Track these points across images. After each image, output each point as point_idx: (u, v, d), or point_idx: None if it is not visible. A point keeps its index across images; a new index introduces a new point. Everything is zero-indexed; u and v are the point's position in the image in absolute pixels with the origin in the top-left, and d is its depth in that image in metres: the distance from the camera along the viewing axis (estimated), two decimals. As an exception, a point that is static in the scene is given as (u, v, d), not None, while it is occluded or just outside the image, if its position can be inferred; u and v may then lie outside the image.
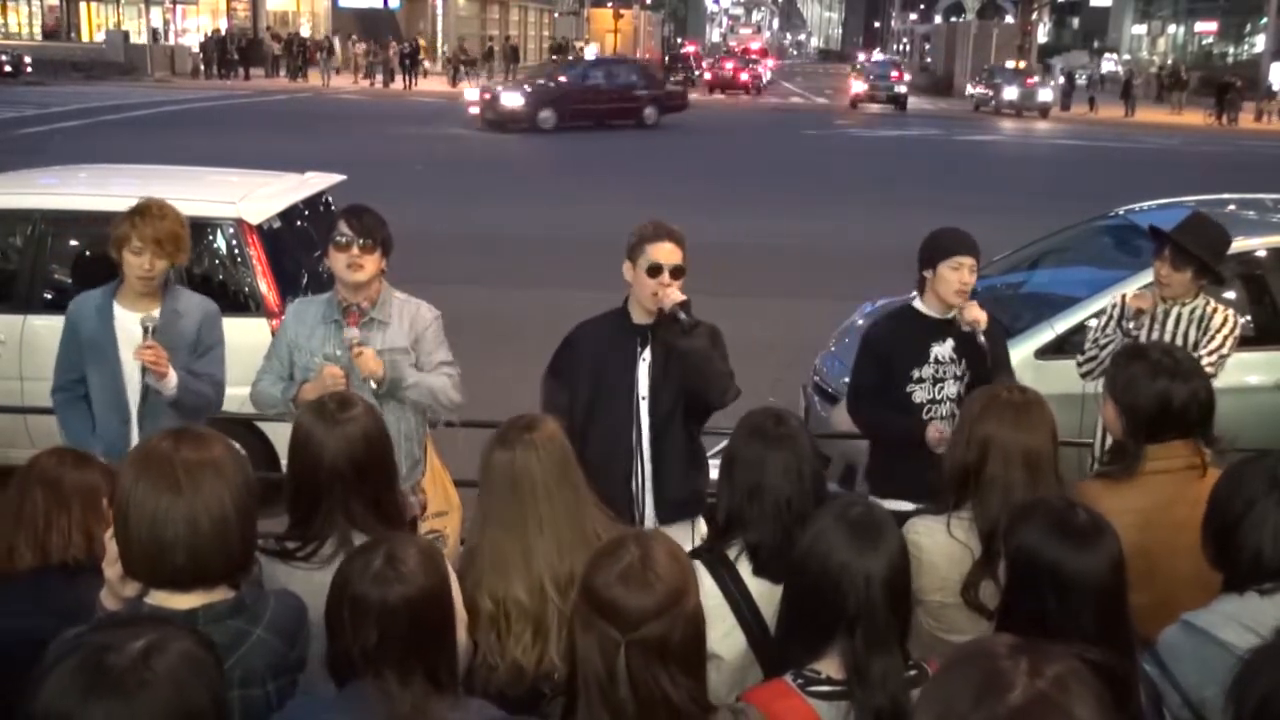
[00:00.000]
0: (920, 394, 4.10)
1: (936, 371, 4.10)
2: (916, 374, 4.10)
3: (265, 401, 4.03)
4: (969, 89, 44.90)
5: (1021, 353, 5.75)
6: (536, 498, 2.67)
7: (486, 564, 2.68)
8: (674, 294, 3.75)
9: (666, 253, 3.77)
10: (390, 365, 3.84)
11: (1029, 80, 41.18)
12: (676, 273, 3.78)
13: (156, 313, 4.01)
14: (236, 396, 5.78)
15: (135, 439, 4.06)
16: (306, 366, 3.90)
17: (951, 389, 4.10)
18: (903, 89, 42.62)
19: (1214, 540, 2.49)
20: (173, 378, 3.97)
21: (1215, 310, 4.50)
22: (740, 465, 2.76)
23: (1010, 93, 40.15)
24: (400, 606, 2.04)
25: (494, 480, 2.72)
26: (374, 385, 3.80)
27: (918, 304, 4.20)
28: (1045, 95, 40.77)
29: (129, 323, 4.03)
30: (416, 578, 2.08)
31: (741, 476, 2.75)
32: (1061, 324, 5.88)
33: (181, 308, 4.13)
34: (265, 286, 5.97)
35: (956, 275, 4.01)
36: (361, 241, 3.82)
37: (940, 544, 2.79)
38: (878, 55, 62.98)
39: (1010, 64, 43.71)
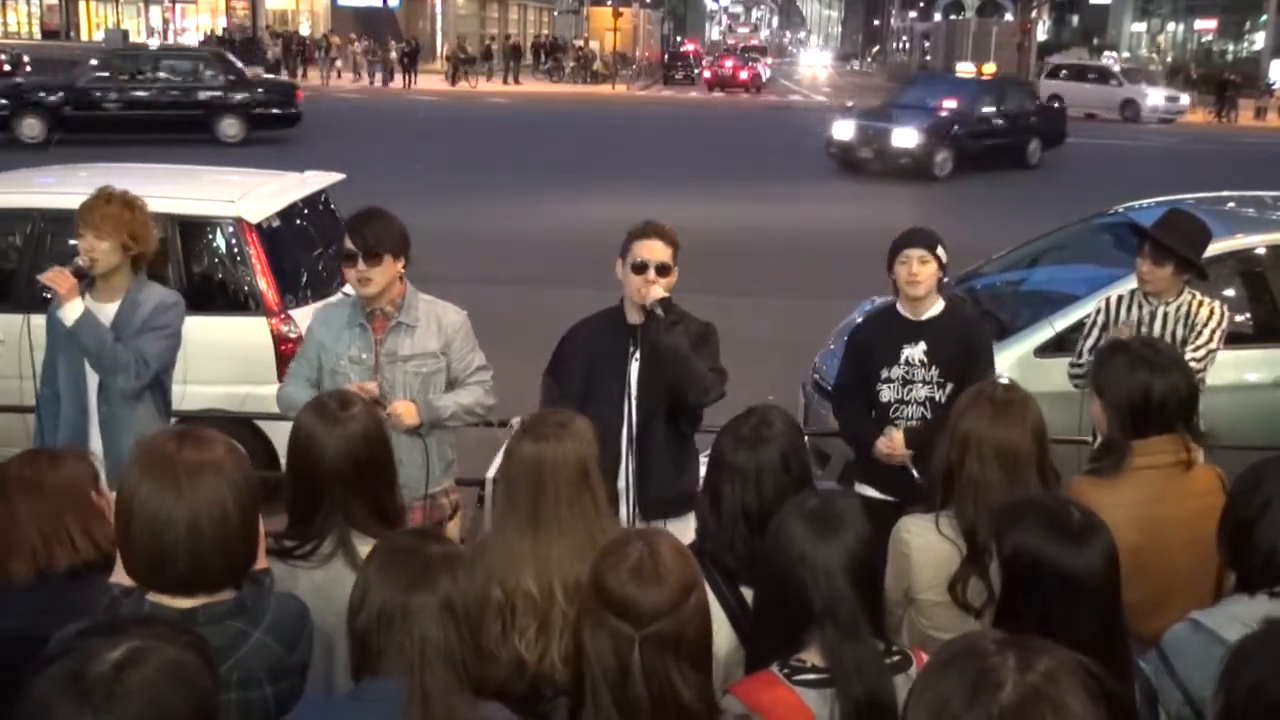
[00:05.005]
0: (887, 393, 4.17)
1: (906, 373, 4.15)
2: (886, 374, 4.18)
3: (291, 405, 3.98)
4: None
5: (1021, 350, 5.77)
6: (559, 499, 2.64)
7: (502, 555, 2.64)
8: (655, 291, 3.76)
9: (652, 250, 3.79)
10: (425, 408, 3.84)
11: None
12: (662, 270, 3.79)
13: (80, 258, 4.02)
14: (235, 396, 5.84)
15: (94, 430, 4.12)
16: (333, 370, 3.92)
17: (921, 392, 4.14)
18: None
19: (1229, 540, 2.46)
20: (75, 308, 3.93)
21: (1201, 304, 4.50)
22: (709, 469, 2.77)
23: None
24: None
25: (519, 473, 2.68)
26: (420, 433, 3.81)
27: (898, 305, 4.28)
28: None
29: (96, 315, 4.04)
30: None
31: (708, 482, 2.76)
32: (1061, 322, 5.88)
33: (142, 298, 4.15)
34: (265, 285, 5.97)
35: (904, 269, 4.13)
36: (366, 255, 3.80)
37: (930, 543, 2.79)
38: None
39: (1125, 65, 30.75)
